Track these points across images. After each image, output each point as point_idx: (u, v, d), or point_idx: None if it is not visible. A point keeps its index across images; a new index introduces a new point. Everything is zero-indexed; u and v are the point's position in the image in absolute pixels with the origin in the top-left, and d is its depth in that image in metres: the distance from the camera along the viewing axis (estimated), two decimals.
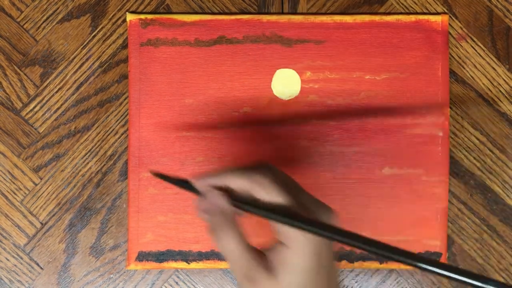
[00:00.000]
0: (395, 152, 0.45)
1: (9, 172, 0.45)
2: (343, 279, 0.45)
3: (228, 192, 0.32)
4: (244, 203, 0.31)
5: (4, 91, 0.46)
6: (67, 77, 0.46)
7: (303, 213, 0.30)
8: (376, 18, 0.45)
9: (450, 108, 0.46)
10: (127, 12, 0.46)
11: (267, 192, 0.30)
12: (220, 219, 0.31)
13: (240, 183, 0.31)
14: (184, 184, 0.33)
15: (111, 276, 0.45)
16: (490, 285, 0.25)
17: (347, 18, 0.45)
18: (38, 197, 0.45)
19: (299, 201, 0.31)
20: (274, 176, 0.31)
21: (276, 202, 0.30)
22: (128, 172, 0.44)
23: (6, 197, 0.45)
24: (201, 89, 0.45)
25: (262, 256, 0.32)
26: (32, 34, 0.46)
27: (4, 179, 0.45)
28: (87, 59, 0.46)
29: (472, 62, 0.46)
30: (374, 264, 0.44)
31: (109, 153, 0.45)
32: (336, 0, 0.46)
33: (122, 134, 0.45)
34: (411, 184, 0.45)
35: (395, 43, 0.45)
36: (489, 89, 0.46)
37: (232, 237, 0.31)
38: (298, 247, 0.30)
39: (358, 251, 0.44)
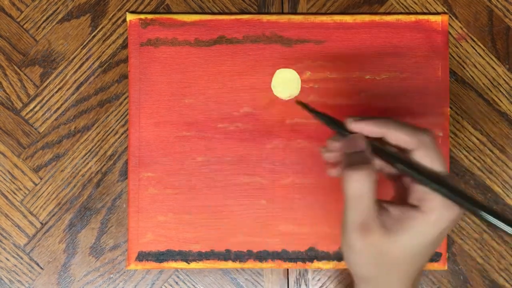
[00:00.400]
0: None
1: (9, 172, 0.45)
2: (343, 279, 0.45)
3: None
4: (397, 158, 0.31)
5: (4, 91, 0.46)
6: (67, 77, 0.46)
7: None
8: (376, 18, 0.45)
9: (450, 108, 0.46)
10: (127, 12, 0.46)
11: (430, 156, 0.30)
12: (360, 158, 0.30)
13: (402, 138, 0.31)
14: (331, 120, 0.34)
15: (111, 276, 0.45)
16: None
17: (347, 18, 0.45)
18: (38, 197, 0.45)
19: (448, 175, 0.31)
20: (437, 143, 0.31)
21: (434, 167, 0.30)
22: (128, 172, 0.44)
23: (6, 197, 0.45)
24: (201, 89, 0.45)
25: (384, 211, 0.31)
26: (32, 34, 0.46)
27: (4, 179, 0.45)
28: (87, 59, 0.46)
29: (472, 62, 0.46)
30: None
31: (109, 153, 0.45)
32: (336, 0, 0.46)
33: (122, 134, 0.45)
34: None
35: (395, 43, 0.45)
36: (489, 89, 0.46)
37: (365, 180, 0.30)
38: (434, 216, 0.30)
39: None
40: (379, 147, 0.32)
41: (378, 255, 0.31)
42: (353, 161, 0.30)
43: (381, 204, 0.31)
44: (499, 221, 0.28)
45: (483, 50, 0.46)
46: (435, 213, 0.30)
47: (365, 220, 0.30)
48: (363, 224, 0.30)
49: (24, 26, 0.46)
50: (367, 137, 0.32)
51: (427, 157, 0.30)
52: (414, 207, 0.31)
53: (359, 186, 0.30)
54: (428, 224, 0.30)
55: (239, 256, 0.44)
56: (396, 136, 0.31)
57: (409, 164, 0.30)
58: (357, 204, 0.30)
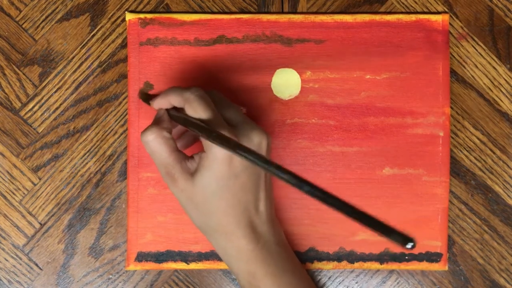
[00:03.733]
0: (396, 152, 0.45)
1: (8, 172, 0.45)
2: (343, 280, 0.45)
3: (174, 109, 0.38)
4: (176, 116, 0.37)
5: (3, 91, 0.45)
6: (66, 76, 0.45)
7: (226, 129, 0.34)
8: (377, 17, 0.45)
9: (451, 108, 0.45)
10: (126, 12, 0.45)
11: (193, 108, 0.35)
12: (154, 127, 0.36)
13: (175, 100, 0.37)
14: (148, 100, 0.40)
15: (110, 276, 0.45)
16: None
17: (348, 18, 0.45)
18: (37, 197, 0.45)
19: (226, 119, 0.37)
20: (200, 94, 0.36)
21: (199, 116, 0.35)
22: (128, 172, 0.44)
23: (5, 197, 0.45)
24: None
25: (188, 160, 0.37)
26: (31, 33, 0.46)
27: (3, 179, 0.45)
28: (86, 59, 0.45)
29: (472, 62, 0.46)
30: (375, 265, 0.44)
31: (108, 153, 0.45)
32: (336, 0, 0.46)
33: (121, 134, 0.45)
34: (411, 184, 0.44)
35: (396, 42, 0.45)
36: (490, 88, 0.46)
37: (155, 137, 0.36)
38: (211, 152, 0.35)
39: (358, 251, 0.44)
40: (171, 113, 0.38)
41: (190, 200, 0.36)
42: (149, 130, 0.36)
43: (184, 154, 0.37)
44: (251, 155, 0.30)
45: (484, 50, 0.46)
46: (210, 150, 0.35)
47: (168, 169, 0.36)
48: (168, 173, 0.36)
49: (23, 26, 0.46)
50: (176, 108, 0.38)
51: (190, 109, 0.35)
52: (204, 151, 0.36)
53: (151, 143, 0.36)
54: (209, 160, 0.35)
55: None
56: (172, 100, 0.37)
57: (184, 120, 0.36)
58: (156, 158, 0.36)
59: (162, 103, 0.38)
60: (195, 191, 0.36)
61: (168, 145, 0.36)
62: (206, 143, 0.35)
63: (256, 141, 0.36)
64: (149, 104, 0.39)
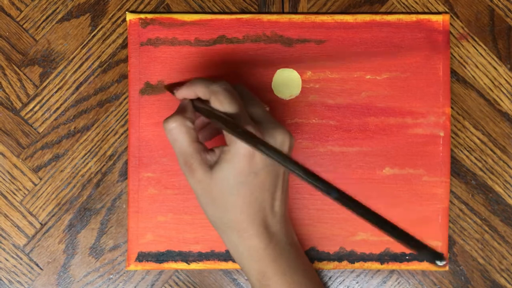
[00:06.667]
0: (396, 152, 0.45)
1: (8, 172, 0.45)
2: (343, 280, 0.45)
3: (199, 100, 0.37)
4: (201, 108, 0.36)
5: (4, 91, 0.45)
6: (67, 77, 0.45)
7: (251, 125, 0.34)
8: (377, 17, 0.45)
9: (451, 108, 0.45)
10: (127, 12, 0.45)
11: (219, 100, 0.35)
12: (177, 115, 0.36)
13: (201, 91, 0.36)
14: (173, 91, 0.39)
15: (111, 276, 0.45)
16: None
17: (348, 18, 0.45)
18: (38, 198, 0.45)
19: (250, 114, 0.36)
20: (227, 88, 0.35)
21: (224, 110, 0.35)
22: (128, 172, 0.44)
23: (6, 197, 0.45)
24: None
25: (208, 152, 0.36)
26: (32, 33, 0.46)
27: (4, 179, 0.45)
28: (86, 59, 0.46)
29: (473, 62, 0.46)
30: (375, 265, 0.44)
31: (108, 153, 0.45)
32: (336, 0, 0.46)
33: (122, 134, 0.45)
34: (412, 184, 0.44)
35: (396, 42, 0.45)
36: (490, 88, 0.46)
37: (177, 126, 0.35)
38: (234, 147, 0.34)
39: (358, 251, 0.44)
40: (195, 104, 0.37)
41: (206, 193, 0.36)
42: (172, 118, 0.36)
43: (204, 146, 0.36)
44: (275, 154, 0.30)
45: (484, 50, 0.46)
46: (233, 145, 0.34)
47: (187, 158, 0.36)
48: (187, 162, 0.36)
49: (24, 26, 0.46)
50: (200, 99, 0.37)
51: (216, 102, 0.35)
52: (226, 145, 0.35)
53: (173, 131, 0.35)
54: (231, 154, 0.34)
55: None
56: (198, 91, 0.37)
57: (209, 112, 0.35)
58: (176, 146, 0.36)
59: (187, 93, 0.37)
60: (212, 184, 0.35)
61: (190, 135, 0.36)
62: (229, 137, 0.34)
63: (279, 140, 0.36)
64: (173, 93, 0.39)
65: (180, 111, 0.36)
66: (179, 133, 0.35)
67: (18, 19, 0.46)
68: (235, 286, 0.45)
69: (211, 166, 0.36)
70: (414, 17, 0.45)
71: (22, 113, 0.45)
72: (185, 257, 0.44)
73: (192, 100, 0.38)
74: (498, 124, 0.46)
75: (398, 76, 0.45)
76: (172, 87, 0.41)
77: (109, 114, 0.45)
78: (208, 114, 0.35)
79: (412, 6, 0.46)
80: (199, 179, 0.36)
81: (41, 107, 0.45)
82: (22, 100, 0.45)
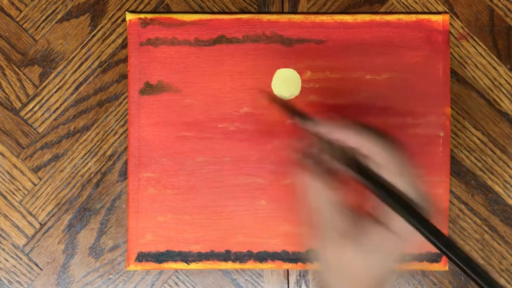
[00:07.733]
0: None
1: (8, 172, 0.45)
2: None
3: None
4: (374, 180, 0.28)
5: (3, 91, 0.45)
6: (66, 77, 0.45)
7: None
8: (377, 17, 0.45)
9: (451, 108, 0.45)
10: (126, 12, 0.45)
11: (401, 170, 0.27)
12: (321, 169, 0.28)
13: (376, 151, 0.28)
14: (301, 116, 0.31)
15: (111, 276, 0.45)
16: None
17: (348, 18, 0.45)
18: (37, 198, 0.45)
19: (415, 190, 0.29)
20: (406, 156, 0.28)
21: (400, 185, 0.27)
22: (128, 172, 0.44)
23: (5, 198, 0.45)
24: (201, 89, 0.45)
25: (356, 220, 0.29)
26: (31, 33, 0.46)
27: (3, 179, 0.45)
28: (86, 59, 0.45)
29: (473, 62, 0.46)
30: None
31: (108, 153, 0.45)
32: (336, 0, 0.46)
33: (121, 134, 0.45)
34: None
35: (396, 42, 0.45)
36: (490, 89, 0.46)
37: (328, 192, 0.28)
38: (401, 237, 0.28)
39: None
40: (358, 164, 0.30)
41: (339, 267, 0.29)
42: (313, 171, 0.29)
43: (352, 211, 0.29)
44: (461, 264, 0.27)
45: (484, 50, 0.46)
46: (403, 234, 0.28)
47: (346, 229, 0.28)
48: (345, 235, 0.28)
49: (23, 26, 0.46)
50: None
51: (397, 170, 0.28)
52: (372, 216, 0.28)
53: (322, 196, 0.28)
54: (392, 241, 0.28)
55: (239, 257, 0.44)
56: (370, 150, 0.29)
57: (383, 186, 0.28)
58: (328, 215, 0.29)
59: (339, 137, 0.30)
60: (353, 261, 0.29)
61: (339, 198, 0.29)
62: (393, 220, 0.28)
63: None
64: (298, 118, 0.33)
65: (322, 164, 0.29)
66: (330, 199, 0.29)
67: (18, 19, 0.46)
68: (235, 286, 0.45)
69: (346, 235, 0.29)
70: (414, 17, 0.45)
71: (22, 113, 0.45)
72: (185, 257, 0.44)
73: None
74: (498, 124, 0.46)
75: (398, 76, 0.45)
76: (299, 115, 0.35)
77: (109, 114, 0.45)
78: (380, 192, 0.28)
79: (412, 6, 0.46)
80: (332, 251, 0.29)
81: (40, 107, 0.45)
82: (21, 100, 0.45)
